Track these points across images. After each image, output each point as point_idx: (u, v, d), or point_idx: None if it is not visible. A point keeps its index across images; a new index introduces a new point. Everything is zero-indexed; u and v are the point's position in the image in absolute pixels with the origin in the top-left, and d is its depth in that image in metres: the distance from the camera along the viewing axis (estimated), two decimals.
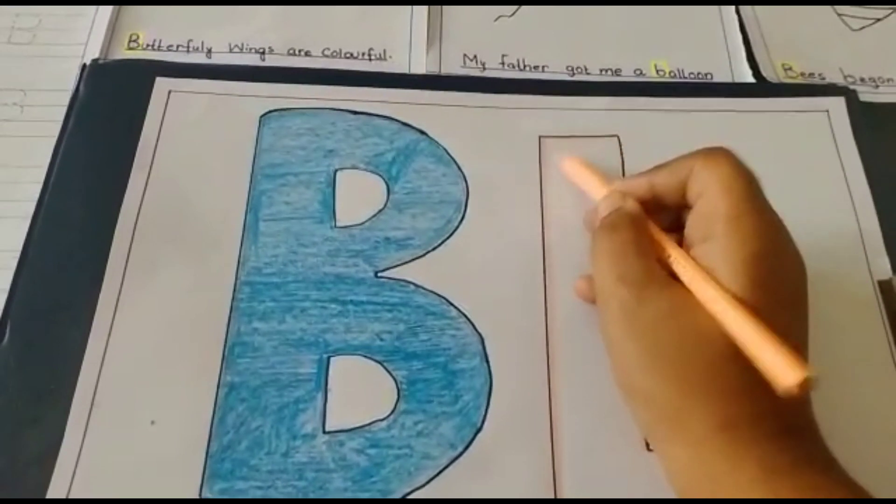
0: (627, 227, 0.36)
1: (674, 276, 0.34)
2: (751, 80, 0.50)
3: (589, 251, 0.37)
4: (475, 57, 0.50)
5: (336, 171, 0.44)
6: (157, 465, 0.36)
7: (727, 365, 0.31)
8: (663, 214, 0.38)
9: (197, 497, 0.35)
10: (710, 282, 0.32)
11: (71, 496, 0.35)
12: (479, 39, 0.51)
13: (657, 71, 0.51)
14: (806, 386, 0.29)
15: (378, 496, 0.36)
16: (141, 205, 0.42)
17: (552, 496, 0.36)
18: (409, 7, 0.52)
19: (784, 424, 0.31)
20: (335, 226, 0.43)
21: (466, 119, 0.47)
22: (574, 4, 0.53)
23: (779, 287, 0.33)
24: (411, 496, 0.36)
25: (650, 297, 0.33)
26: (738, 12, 0.53)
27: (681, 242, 0.36)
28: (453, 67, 0.50)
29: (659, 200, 0.38)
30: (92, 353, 0.38)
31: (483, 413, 0.38)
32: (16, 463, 0.36)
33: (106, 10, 0.50)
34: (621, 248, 0.35)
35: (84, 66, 0.48)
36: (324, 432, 0.37)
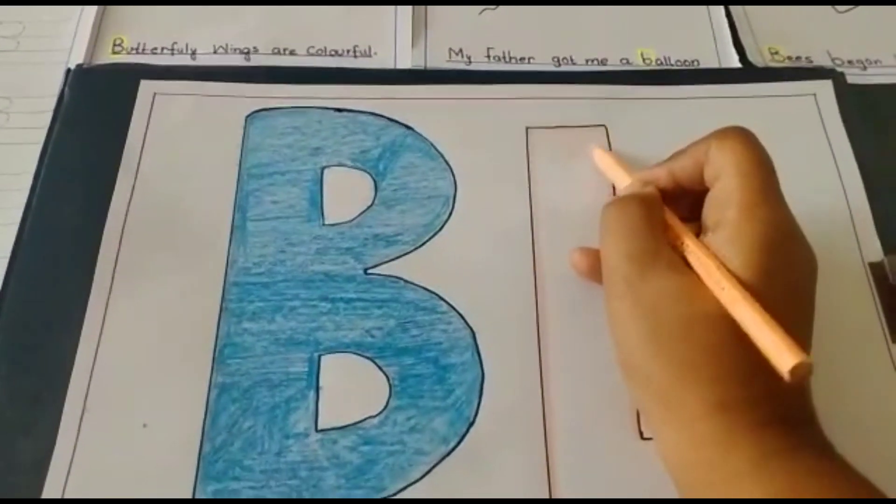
0: (638, 205, 0.36)
1: (685, 262, 0.34)
2: (738, 65, 0.50)
3: (599, 228, 0.37)
4: (460, 51, 0.50)
5: (323, 168, 0.44)
6: (150, 468, 0.36)
7: (728, 350, 0.31)
8: (686, 201, 0.38)
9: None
10: (719, 267, 0.32)
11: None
12: (464, 33, 0.51)
13: (643, 59, 0.51)
14: (802, 371, 0.29)
15: (372, 493, 0.35)
16: (128, 208, 0.42)
17: (546, 488, 0.36)
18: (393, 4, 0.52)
19: (781, 410, 0.31)
20: (323, 224, 0.43)
21: (453, 112, 0.46)
22: (557, 4, 0.53)
23: (786, 277, 0.33)
24: (405, 492, 0.36)
25: (655, 276, 0.33)
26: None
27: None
28: (439, 62, 0.50)
29: (681, 187, 0.37)
30: (82, 357, 0.38)
31: (475, 407, 0.38)
32: (8, 470, 0.36)
33: (89, 16, 0.50)
34: (630, 226, 0.35)
35: (69, 71, 0.48)
36: (316, 430, 0.37)
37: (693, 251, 0.34)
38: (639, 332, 0.33)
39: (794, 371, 0.29)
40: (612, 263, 0.35)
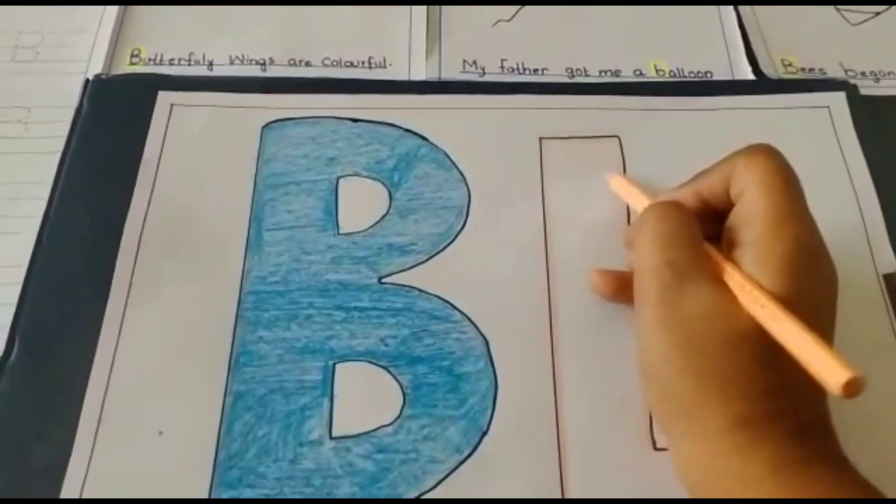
0: (681, 211, 0.36)
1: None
2: (751, 76, 0.50)
3: (634, 233, 0.37)
4: (474, 62, 0.50)
5: (338, 178, 0.45)
6: (166, 475, 0.36)
7: (756, 368, 0.31)
8: (709, 223, 0.37)
9: None
10: (757, 288, 0.32)
11: None
12: (477, 44, 0.51)
13: (657, 71, 0.51)
14: (855, 386, 0.28)
15: None
16: (145, 217, 0.43)
17: (559, 498, 0.36)
18: (407, 15, 0.53)
19: (800, 425, 0.31)
20: (338, 233, 0.43)
21: (466, 123, 0.47)
22: (572, 5, 0.53)
23: (811, 294, 0.32)
24: None
25: (693, 288, 0.33)
26: (736, 10, 0.53)
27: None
28: (453, 73, 0.50)
29: (707, 207, 0.37)
30: (99, 365, 0.38)
31: (489, 416, 0.38)
32: (25, 477, 0.36)
33: (107, 26, 0.51)
34: (672, 233, 0.35)
35: (87, 81, 0.48)
36: (330, 438, 0.37)
37: (728, 271, 0.33)
38: (668, 343, 0.32)
39: (847, 386, 0.28)
40: (649, 272, 0.34)
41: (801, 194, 0.34)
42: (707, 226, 0.37)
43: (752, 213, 0.34)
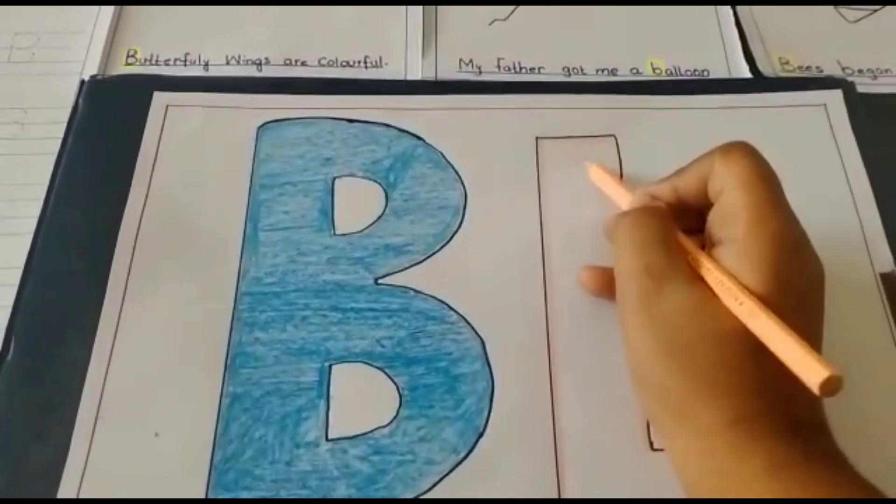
0: (654, 217, 0.36)
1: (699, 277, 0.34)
2: (748, 75, 0.50)
3: (612, 239, 0.37)
4: (471, 61, 0.50)
5: (334, 179, 0.45)
6: (162, 477, 0.36)
7: (744, 364, 0.31)
8: (689, 217, 0.37)
9: None
10: (736, 284, 0.32)
11: None
12: (474, 44, 0.51)
13: (653, 69, 0.51)
14: (832, 384, 0.28)
15: None
16: (141, 218, 0.43)
17: (556, 498, 0.36)
18: (403, 14, 0.53)
19: (794, 421, 0.31)
20: (334, 234, 0.43)
21: (463, 122, 0.47)
22: (569, 4, 0.53)
23: (795, 290, 0.33)
24: None
25: (672, 291, 0.33)
26: (733, 8, 0.53)
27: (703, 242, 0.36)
28: (449, 72, 0.50)
29: (684, 203, 0.37)
30: (95, 366, 0.38)
31: (486, 417, 0.38)
32: (21, 478, 0.36)
33: (103, 27, 0.51)
34: (647, 239, 0.35)
35: (83, 82, 0.48)
36: (327, 440, 0.37)
37: (706, 266, 0.34)
38: (654, 346, 0.33)
39: (824, 385, 0.28)
40: (628, 277, 0.35)
41: (780, 190, 0.34)
42: (686, 221, 0.37)
43: (733, 211, 0.34)
